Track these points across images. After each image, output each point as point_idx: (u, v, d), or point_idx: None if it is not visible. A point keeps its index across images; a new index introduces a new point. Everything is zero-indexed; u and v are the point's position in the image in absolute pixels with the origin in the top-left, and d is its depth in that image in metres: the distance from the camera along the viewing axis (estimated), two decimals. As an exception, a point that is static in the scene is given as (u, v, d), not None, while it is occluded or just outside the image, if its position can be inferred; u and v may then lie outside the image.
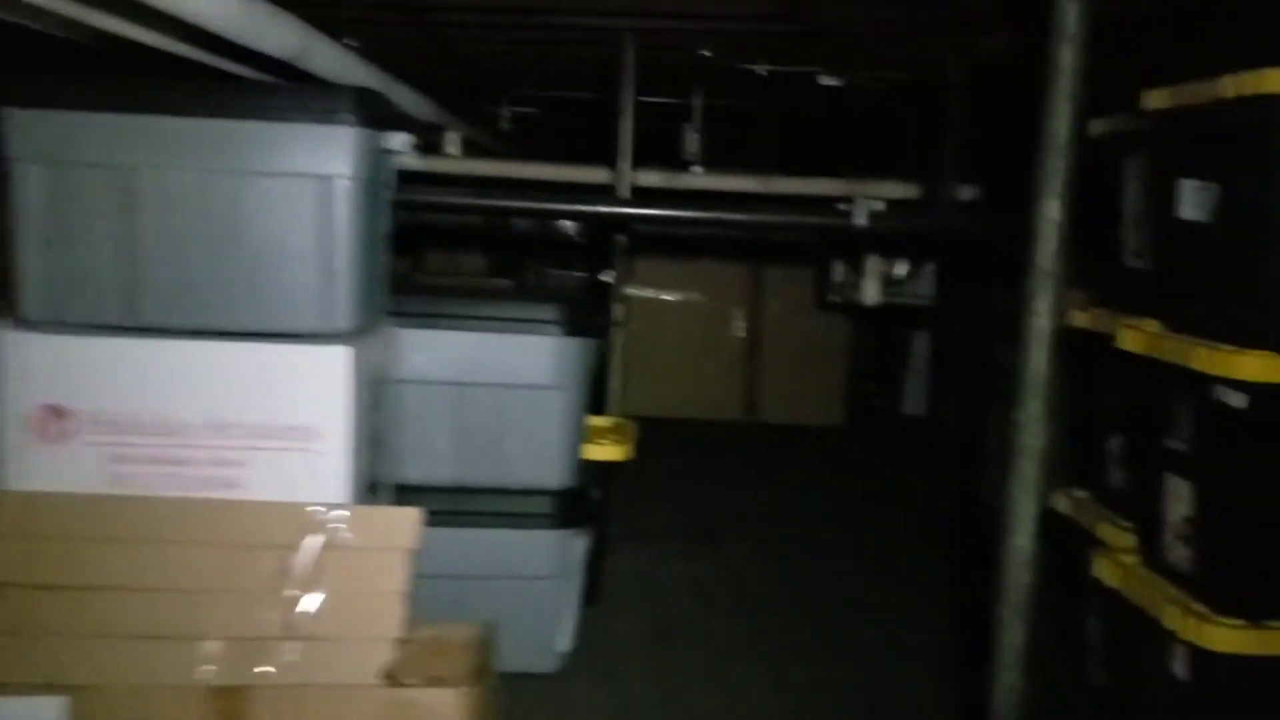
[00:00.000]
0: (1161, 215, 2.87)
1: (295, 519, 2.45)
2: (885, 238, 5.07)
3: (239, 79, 3.76)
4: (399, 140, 2.87)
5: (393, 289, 3.06)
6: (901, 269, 6.11)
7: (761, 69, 5.37)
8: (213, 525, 2.45)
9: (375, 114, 2.77)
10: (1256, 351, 2.39)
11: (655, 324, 7.56)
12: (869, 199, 4.19)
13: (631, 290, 7.57)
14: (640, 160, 5.26)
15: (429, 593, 3.20)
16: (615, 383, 4.75)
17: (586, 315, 3.45)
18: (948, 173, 4.21)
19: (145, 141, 2.55)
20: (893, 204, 5.05)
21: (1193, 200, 2.65)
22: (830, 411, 7.68)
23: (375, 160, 2.79)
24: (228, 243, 2.60)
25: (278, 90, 3.31)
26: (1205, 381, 2.50)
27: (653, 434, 7.05)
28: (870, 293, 5.54)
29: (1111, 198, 3.25)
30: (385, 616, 2.46)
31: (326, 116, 2.61)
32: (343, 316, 2.65)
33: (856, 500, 5.73)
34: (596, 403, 4.24)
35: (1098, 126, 3.34)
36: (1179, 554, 2.70)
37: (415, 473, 3.28)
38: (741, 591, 4.26)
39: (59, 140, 2.54)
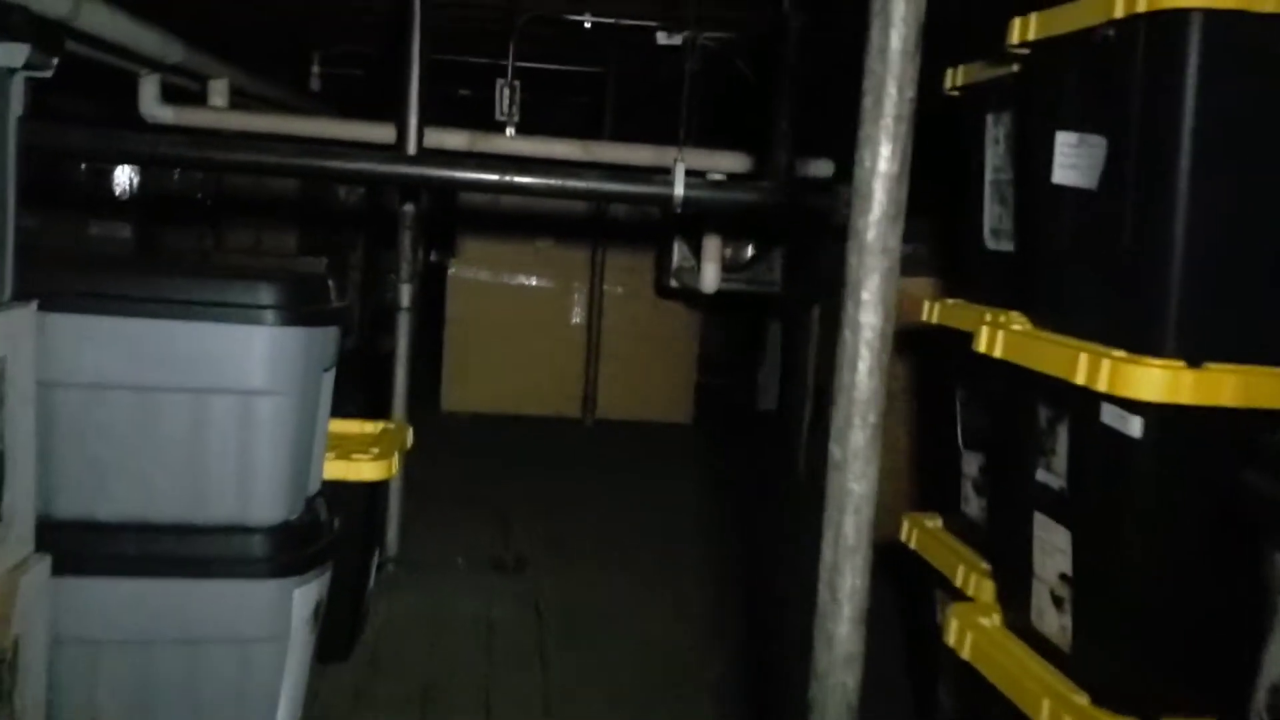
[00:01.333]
0: (1030, 182, 2.25)
1: None
2: (709, 211, 4.40)
3: None
4: (17, 54, 2.08)
5: (56, 263, 2.28)
6: (745, 252, 5.50)
7: (586, 19, 4.69)
8: None
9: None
10: (1156, 360, 1.77)
11: (485, 310, 6.83)
12: (697, 170, 3.54)
13: (459, 272, 6.84)
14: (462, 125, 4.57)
15: (93, 664, 2.47)
16: (401, 379, 4.00)
17: (318, 298, 2.68)
18: (781, 141, 3.54)
19: None
20: (734, 177, 4.42)
21: (1070, 160, 2.03)
22: (678, 407, 7.07)
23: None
24: None
25: None
26: (1088, 399, 1.86)
27: (476, 434, 6.40)
28: (709, 278, 4.86)
29: (972, 166, 2.63)
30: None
31: None
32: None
33: (696, 512, 5.08)
34: (360, 406, 3.51)
35: (954, 79, 2.73)
36: (1053, 622, 2.08)
37: (76, 505, 2.49)
38: (538, 634, 3.54)
39: None
